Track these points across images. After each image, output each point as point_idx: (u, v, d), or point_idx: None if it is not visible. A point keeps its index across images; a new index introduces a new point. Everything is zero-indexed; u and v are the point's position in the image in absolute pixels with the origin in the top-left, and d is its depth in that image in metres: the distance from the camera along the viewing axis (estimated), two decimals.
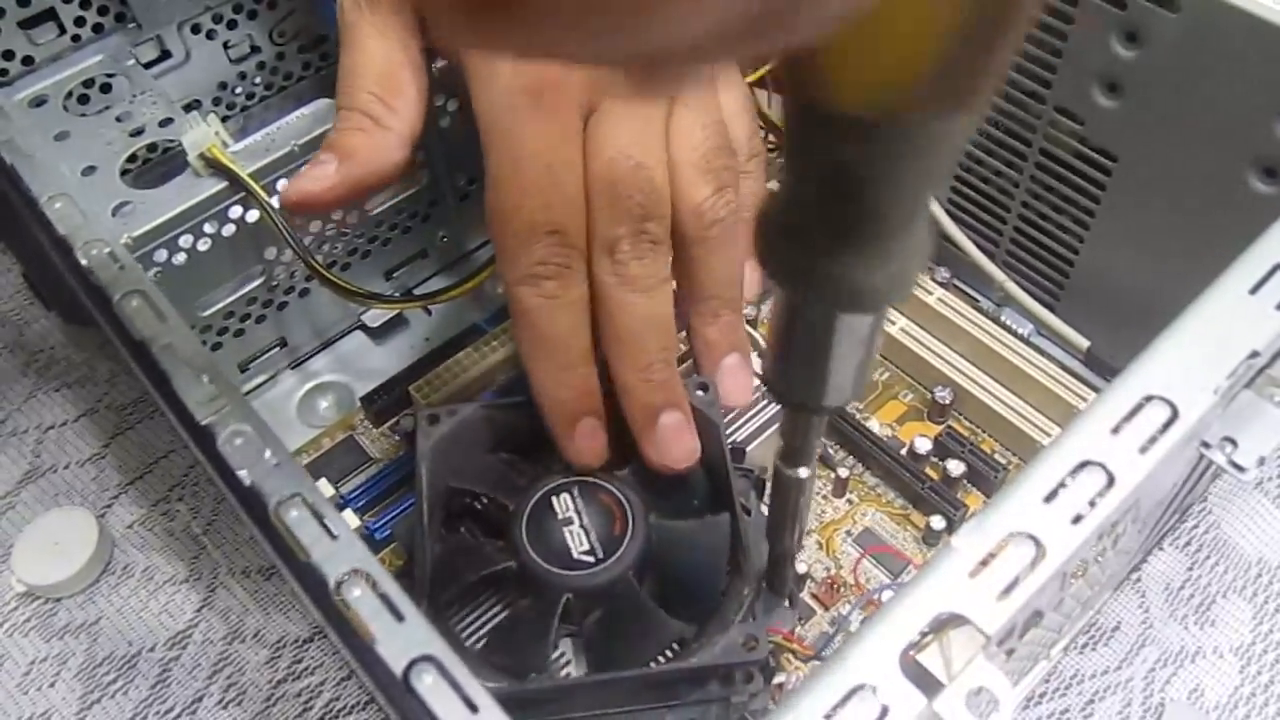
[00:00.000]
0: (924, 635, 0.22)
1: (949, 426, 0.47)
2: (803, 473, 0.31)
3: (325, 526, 0.24)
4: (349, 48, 0.38)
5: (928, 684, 0.22)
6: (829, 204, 0.21)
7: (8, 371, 0.53)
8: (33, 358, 0.54)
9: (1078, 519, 0.23)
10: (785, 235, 0.22)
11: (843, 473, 0.45)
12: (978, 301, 0.50)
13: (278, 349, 0.50)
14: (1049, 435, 0.45)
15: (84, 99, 0.48)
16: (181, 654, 0.44)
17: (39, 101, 0.47)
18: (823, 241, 0.22)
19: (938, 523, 0.43)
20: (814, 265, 0.22)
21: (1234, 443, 0.29)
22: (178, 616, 0.45)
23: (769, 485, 0.35)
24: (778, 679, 0.38)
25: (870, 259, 0.21)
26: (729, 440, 0.38)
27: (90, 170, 0.43)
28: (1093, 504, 0.24)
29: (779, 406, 0.43)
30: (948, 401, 0.46)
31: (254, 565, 0.46)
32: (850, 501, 0.45)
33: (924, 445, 0.45)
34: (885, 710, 0.21)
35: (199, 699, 0.43)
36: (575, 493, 0.35)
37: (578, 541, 0.35)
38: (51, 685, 0.43)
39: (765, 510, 0.41)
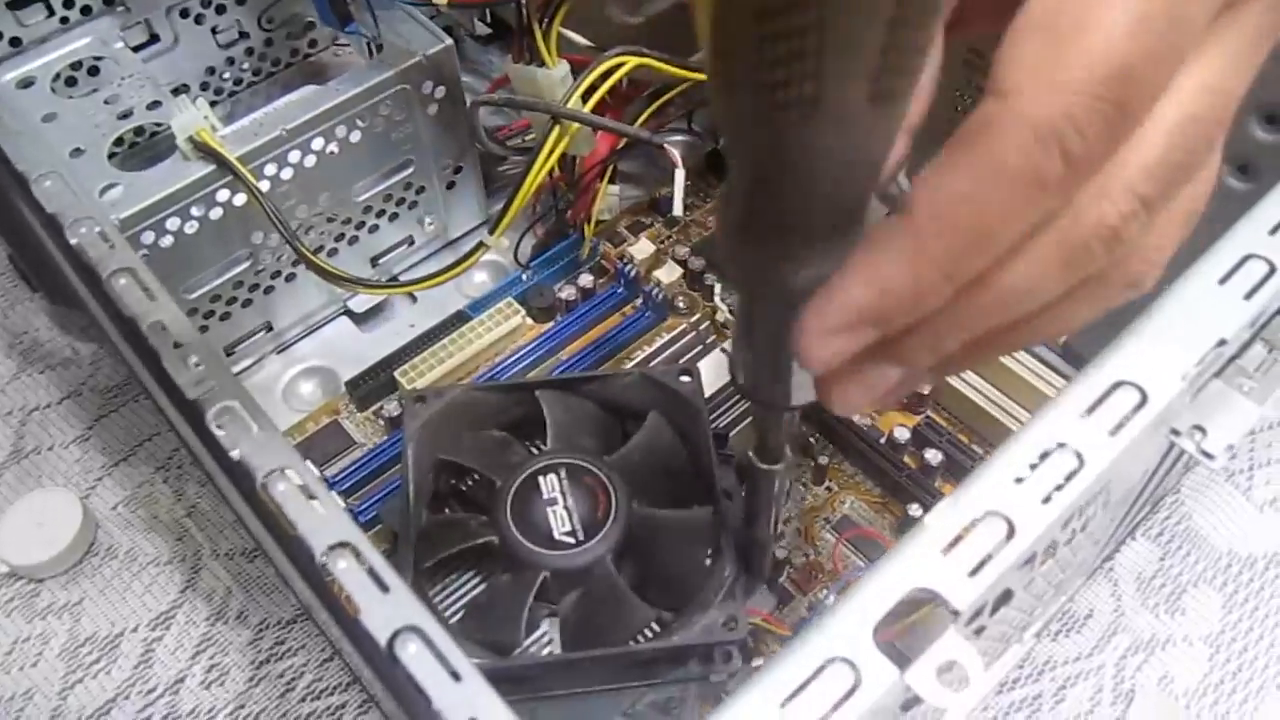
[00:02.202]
0: (896, 610, 0.23)
1: (927, 417, 0.47)
2: (777, 467, 0.31)
3: (312, 500, 0.24)
4: None
5: (900, 658, 0.22)
6: (766, 196, 0.20)
7: None
8: (17, 339, 0.54)
9: (1048, 499, 0.24)
10: (737, 233, 0.22)
11: (822, 460, 0.45)
12: None
13: (263, 333, 0.50)
14: None
15: (71, 81, 0.48)
16: (164, 635, 0.44)
17: (27, 83, 0.47)
18: (771, 238, 0.21)
19: (915, 510, 0.44)
20: (763, 264, 0.22)
21: (1203, 431, 0.29)
22: (161, 598, 0.45)
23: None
24: (755, 662, 0.39)
25: (811, 258, 0.21)
26: (711, 426, 0.38)
27: (78, 152, 0.43)
28: (1063, 485, 0.24)
29: None
30: (926, 392, 0.47)
31: (237, 548, 0.46)
32: (829, 489, 0.46)
33: (903, 435, 0.45)
34: (858, 682, 0.22)
35: (181, 679, 0.43)
36: (562, 474, 0.36)
37: (560, 522, 0.35)
38: (34, 665, 0.44)
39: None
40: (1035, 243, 0.21)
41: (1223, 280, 0.28)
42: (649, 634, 0.35)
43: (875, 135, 0.20)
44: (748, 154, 0.20)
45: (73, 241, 0.30)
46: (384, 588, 0.23)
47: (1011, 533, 0.24)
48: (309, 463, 0.45)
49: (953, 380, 0.47)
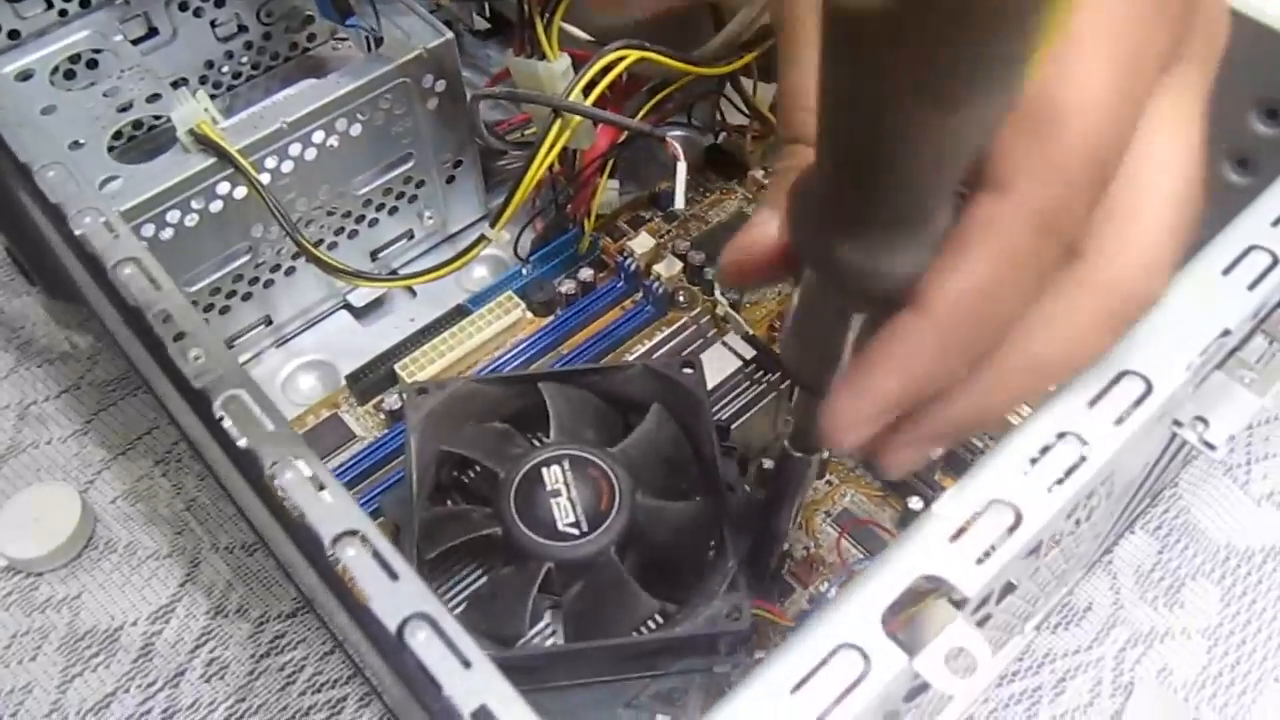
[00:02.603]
0: (903, 599, 0.23)
1: None
2: (811, 458, 0.31)
3: (320, 488, 0.24)
4: (793, 62, 0.28)
5: (908, 644, 0.22)
6: (845, 177, 0.21)
7: None
8: (14, 333, 0.54)
9: (1054, 487, 0.24)
10: (811, 213, 0.22)
11: (823, 454, 0.45)
12: None
13: (263, 326, 0.50)
14: None
15: (70, 74, 0.48)
16: (164, 628, 0.44)
17: (25, 76, 0.46)
18: (840, 222, 0.21)
19: (916, 504, 0.44)
20: (830, 247, 0.22)
21: (1205, 422, 0.30)
22: (160, 591, 0.45)
23: (753, 466, 0.35)
24: (758, 654, 0.39)
25: (882, 248, 0.21)
26: (714, 418, 0.38)
27: (77, 145, 0.43)
28: (1069, 473, 0.24)
29: (761, 387, 0.44)
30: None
31: (237, 541, 0.46)
32: (830, 483, 0.46)
33: None
34: (867, 668, 0.22)
35: (181, 673, 0.43)
36: (566, 465, 0.36)
37: (564, 513, 0.35)
38: (33, 659, 0.44)
39: (748, 489, 0.42)
40: (1087, 321, 0.24)
41: (1226, 271, 0.28)
42: (652, 625, 0.35)
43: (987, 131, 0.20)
44: (865, 138, 0.19)
45: (77, 232, 0.30)
46: (393, 575, 0.23)
47: (1018, 521, 0.24)
48: None
49: None
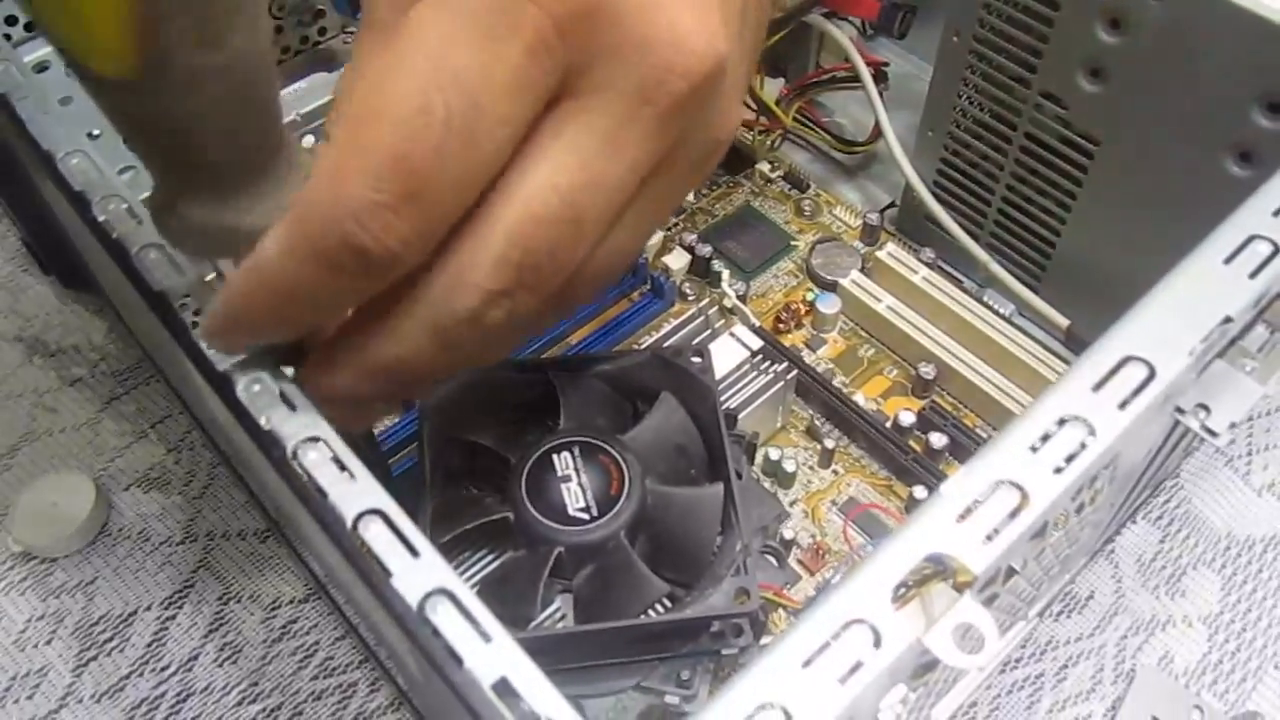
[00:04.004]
0: (910, 578, 0.24)
1: (932, 401, 0.48)
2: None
3: (343, 468, 0.25)
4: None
5: (918, 620, 0.23)
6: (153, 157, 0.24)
7: (3, 336, 0.54)
8: (29, 323, 0.54)
9: (1060, 469, 0.25)
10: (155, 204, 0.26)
11: (829, 444, 0.46)
12: (962, 282, 0.52)
13: None
14: None
15: None
16: (178, 613, 0.45)
17: (42, 67, 0.47)
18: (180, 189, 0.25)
19: (921, 493, 0.44)
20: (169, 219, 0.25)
21: (1207, 409, 0.30)
22: (174, 577, 0.46)
23: (760, 454, 0.36)
24: (765, 639, 0.40)
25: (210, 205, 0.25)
26: (722, 406, 0.39)
27: (94, 136, 0.44)
28: (1074, 456, 0.25)
29: (768, 377, 0.45)
30: (931, 377, 0.48)
31: (249, 528, 0.47)
32: (836, 472, 0.46)
33: (908, 419, 0.46)
34: (878, 643, 0.22)
35: (195, 657, 0.44)
36: (576, 451, 0.37)
37: (574, 498, 0.36)
38: (48, 643, 0.44)
39: (756, 475, 0.43)
40: (407, 323, 0.25)
41: (1228, 260, 0.29)
42: (661, 608, 0.35)
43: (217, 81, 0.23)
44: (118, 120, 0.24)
45: (100, 218, 0.30)
46: (414, 552, 0.24)
47: (1025, 501, 0.24)
48: None
49: (957, 366, 0.47)
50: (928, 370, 0.48)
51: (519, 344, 0.29)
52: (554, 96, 0.23)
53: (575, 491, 0.36)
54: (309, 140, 0.46)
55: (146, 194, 0.43)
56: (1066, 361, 0.47)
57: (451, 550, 0.36)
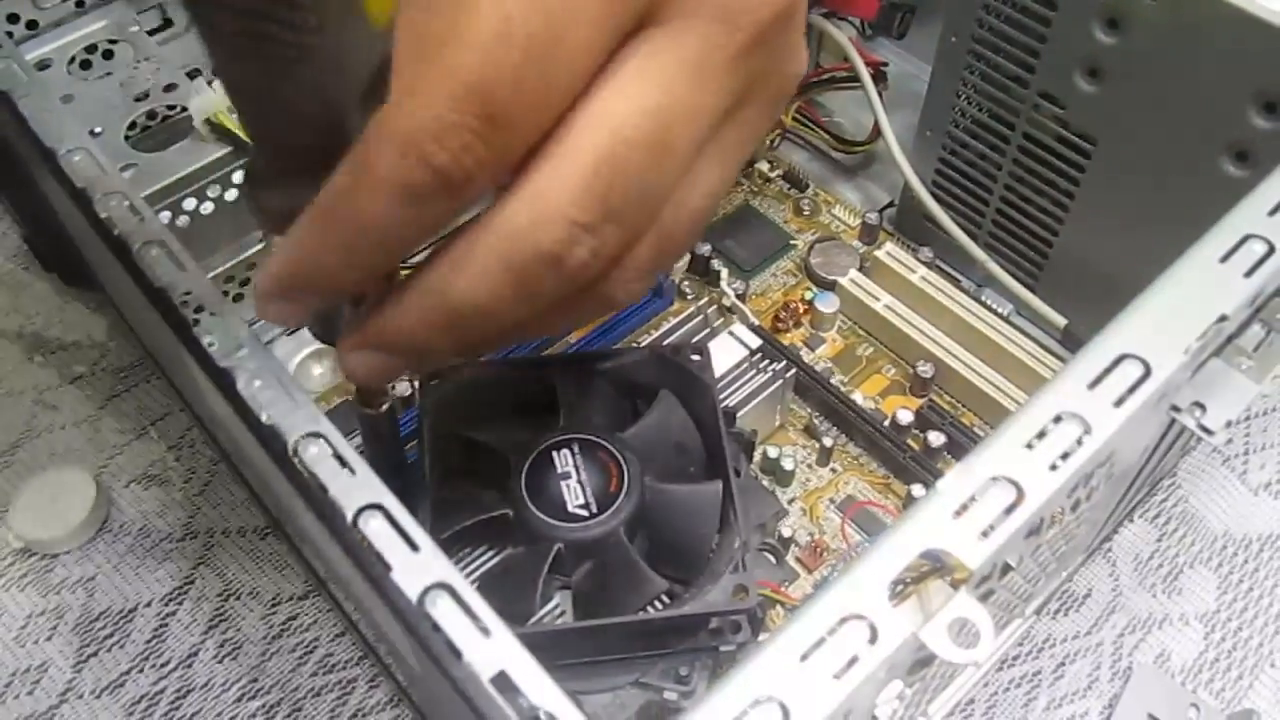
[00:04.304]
0: (906, 574, 0.24)
1: (930, 400, 0.48)
2: (378, 411, 0.33)
3: (344, 463, 0.25)
4: None
5: (914, 616, 0.23)
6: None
7: (4, 333, 0.54)
8: (29, 320, 0.54)
9: (1056, 465, 0.25)
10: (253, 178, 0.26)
11: (827, 442, 0.46)
12: (960, 281, 0.52)
13: None
14: None
15: (87, 64, 0.49)
16: (178, 609, 0.45)
17: (44, 65, 0.47)
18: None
19: (919, 491, 0.44)
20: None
21: (1203, 407, 0.30)
22: (174, 573, 0.46)
23: (758, 451, 0.36)
24: (763, 636, 0.40)
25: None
26: (721, 403, 0.39)
27: (95, 134, 0.44)
28: (1070, 453, 0.25)
29: (767, 375, 0.45)
30: (929, 376, 0.48)
31: (249, 525, 0.47)
32: (834, 470, 0.47)
33: (906, 417, 0.46)
34: (874, 637, 0.22)
35: (195, 653, 0.44)
36: (576, 449, 0.37)
37: (574, 495, 0.36)
38: (48, 639, 0.44)
39: (754, 472, 0.43)
40: (486, 258, 0.23)
41: (1223, 259, 0.29)
42: (660, 605, 0.36)
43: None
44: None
45: (102, 215, 0.31)
46: (414, 547, 0.24)
47: (1020, 497, 0.24)
48: None
49: (955, 364, 0.47)
50: (926, 369, 0.48)
51: (596, 315, 0.27)
52: (637, 24, 0.22)
53: (575, 488, 0.36)
54: None
55: (154, 189, 0.43)
56: (1064, 360, 0.47)
57: (451, 547, 0.36)
